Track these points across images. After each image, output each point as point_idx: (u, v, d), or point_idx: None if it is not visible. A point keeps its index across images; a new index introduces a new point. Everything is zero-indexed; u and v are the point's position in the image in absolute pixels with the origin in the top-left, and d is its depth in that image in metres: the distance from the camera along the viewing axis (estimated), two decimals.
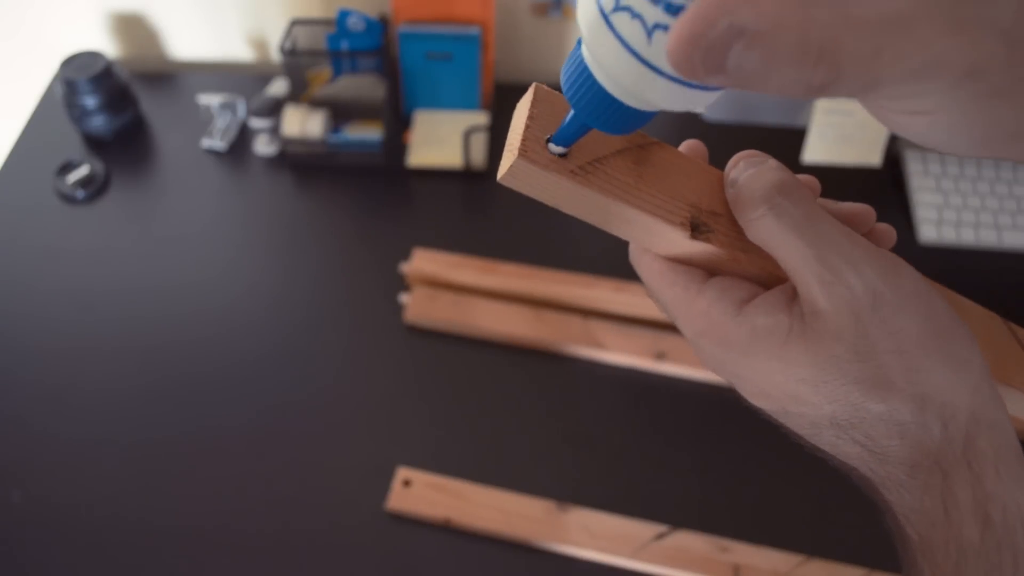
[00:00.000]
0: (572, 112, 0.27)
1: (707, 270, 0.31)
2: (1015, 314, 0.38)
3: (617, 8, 0.21)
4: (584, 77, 0.25)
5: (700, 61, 0.20)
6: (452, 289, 0.87)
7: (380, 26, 0.96)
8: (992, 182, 0.97)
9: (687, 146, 0.33)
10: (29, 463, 0.76)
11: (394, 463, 0.75)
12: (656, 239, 0.30)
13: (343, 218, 0.97)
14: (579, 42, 0.25)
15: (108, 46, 1.13)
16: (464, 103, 1.04)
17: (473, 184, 0.99)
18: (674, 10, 0.20)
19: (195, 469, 0.76)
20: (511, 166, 0.28)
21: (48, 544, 0.72)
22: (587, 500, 0.73)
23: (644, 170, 0.30)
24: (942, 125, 0.22)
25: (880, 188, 0.98)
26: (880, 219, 0.32)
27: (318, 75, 0.99)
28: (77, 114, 0.99)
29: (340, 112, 1.00)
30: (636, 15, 0.21)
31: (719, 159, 0.32)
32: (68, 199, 0.97)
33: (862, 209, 0.32)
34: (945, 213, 0.95)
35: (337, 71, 0.98)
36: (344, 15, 0.95)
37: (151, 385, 0.81)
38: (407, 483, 0.74)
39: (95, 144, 1.02)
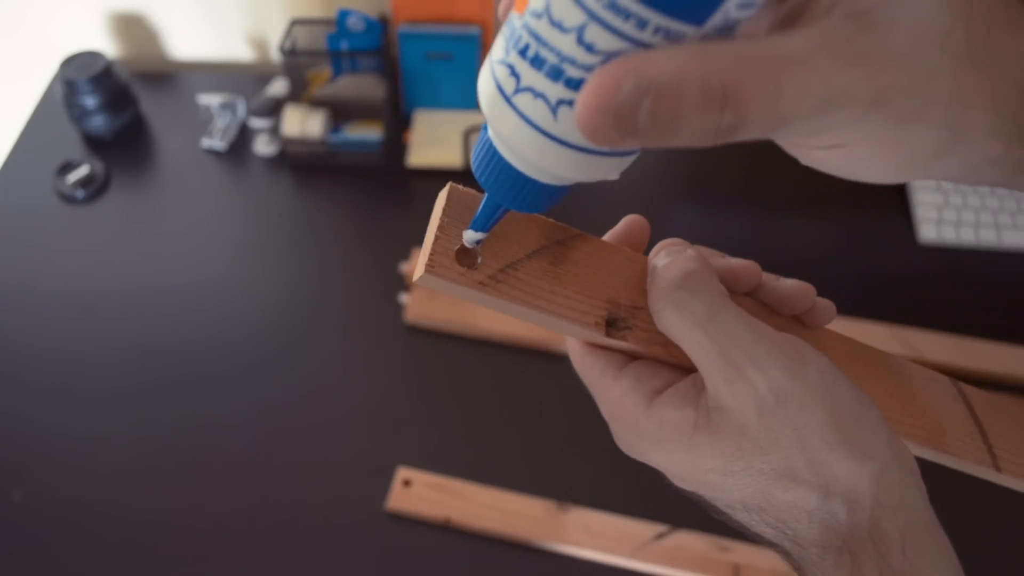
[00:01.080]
0: (486, 195, 0.26)
1: (628, 355, 0.31)
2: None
3: (518, 90, 0.21)
4: (493, 158, 0.24)
5: (612, 126, 0.20)
6: None
7: (380, 26, 0.96)
8: None
9: (627, 224, 0.33)
10: (29, 462, 0.76)
11: (394, 463, 0.75)
12: (575, 335, 0.31)
13: (343, 218, 0.97)
14: (485, 126, 0.25)
15: (108, 46, 1.13)
16: (464, 103, 1.04)
17: (473, 184, 0.99)
18: (575, 85, 0.20)
19: (195, 468, 0.76)
20: (421, 277, 0.28)
21: (48, 543, 0.72)
22: (587, 500, 0.73)
23: (561, 270, 0.30)
24: (859, 156, 0.23)
25: (880, 188, 0.98)
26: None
27: (318, 75, 0.99)
28: (77, 114, 0.99)
29: (340, 112, 1.00)
30: (539, 95, 0.21)
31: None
32: (68, 199, 0.97)
33: (802, 289, 0.33)
34: (945, 213, 0.95)
35: (337, 71, 0.98)
36: (344, 15, 0.95)
37: (151, 385, 0.81)
38: (407, 483, 0.74)
39: (95, 144, 1.02)
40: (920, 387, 0.35)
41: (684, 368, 0.31)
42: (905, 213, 0.96)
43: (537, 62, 0.21)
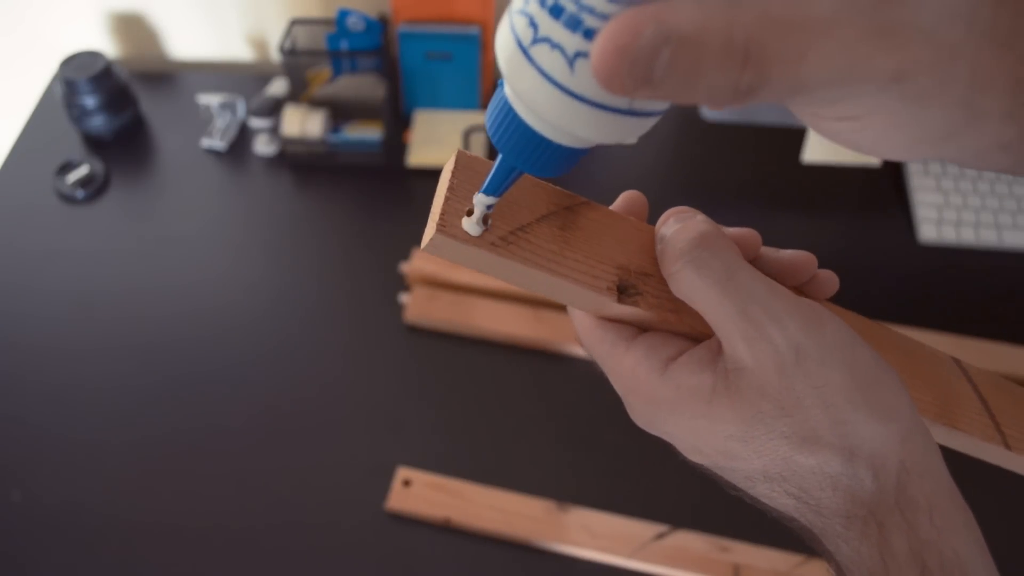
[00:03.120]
0: (500, 157, 0.26)
1: (638, 327, 0.31)
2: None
3: (536, 40, 0.21)
4: (509, 117, 0.24)
5: (628, 72, 0.19)
6: (452, 289, 0.87)
7: (380, 26, 0.96)
8: (992, 181, 0.97)
9: (625, 199, 0.33)
10: (28, 462, 0.76)
11: (394, 463, 0.75)
12: (584, 303, 0.30)
13: (343, 218, 0.97)
14: (501, 83, 0.24)
15: (108, 46, 1.13)
16: (464, 103, 1.04)
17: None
18: (593, 35, 0.20)
19: (194, 469, 0.76)
20: (430, 240, 0.28)
21: (48, 544, 0.71)
22: (587, 500, 0.73)
23: (571, 235, 0.29)
24: (872, 129, 0.22)
25: (880, 188, 0.98)
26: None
27: (318, 75, 0.99)
28: (77, 114, 0.99)
29: (340, 112, 1.00)
30: (556, 45, 0.21)
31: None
32: (68, 199, 0.97)
33: (803, 258, 0.32)
34: (945, 212, 0.95)
35: (337, 71, 0.98)
36: (344, 15, 0.95)
37: (151, 385, 0.81)
38: (407, 483, 0.74)
39: (95, 144, 1.02)
40: (925, 363, 0.35)
41: (695, 337, 0.30)
42: (905, 213, 0.96)
43: (556, 10, 0.20)
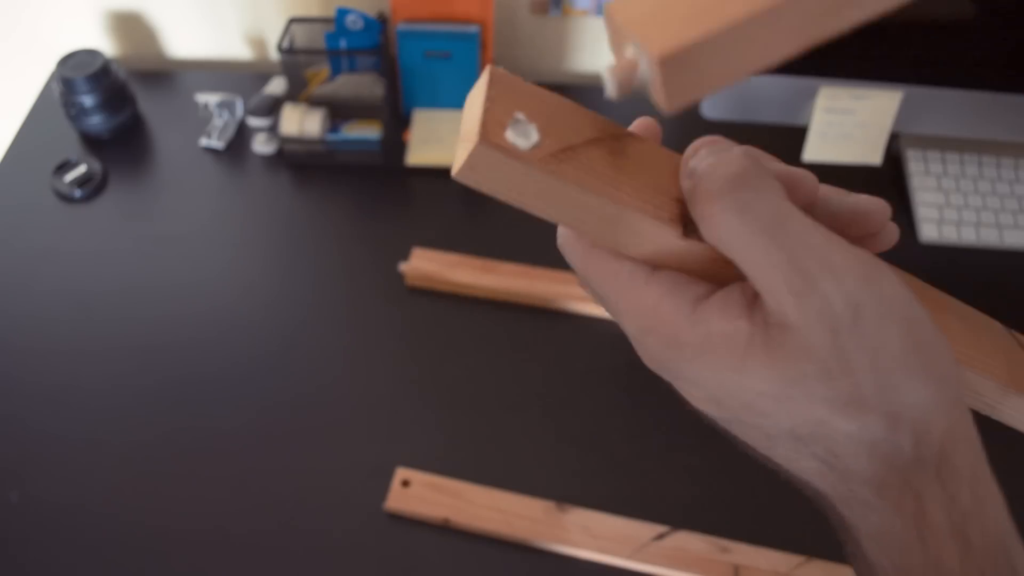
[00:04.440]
0: None
1: (657, 267, 0.27)
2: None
3: None
4: None
5: None
6: (451, 288, 0.87)
7: (379, 25, 0.96)
8: (993, 181, 0.97)
9: (640, 126, 0.29)
10: (27, 463, 0.76)
11: (393, 463, 0.75)
12: (634, 238, 0.26)
13: (342, 217, 0.97)
14: None
15: (105, 44, 1.12)
16: (463, 102, 1.03)
17: (467, 186, 0.99)
18: None
19: (193, 469, 0.76)
20: (470, 155, 0.24)
21: (47, 544, 0.71)
22: (587, 500, 0.73)
23: (622, 162, 0.26)
24: None
25: (881, 187, 0.98)
26: None
27: (316, 74, 0.99)
28: (74, 113, 0.98)
29: (338, 111, 1.00)
30: None
31: None
32: (65, 198, 0.96)
33: (877, 205, 0.28)
34: (946, 212, 0.94)
35: (335, 70, 0.98)
36: (342, 13, 0.95)
37: (150, 385, 0.81)
38: (406, 483, 0.74)
39: (92, 143, 1.02)
40: (983, 328, 0.32)
41: (721, 282, 0.27)
42: (906, 212, 0.96)
43: None
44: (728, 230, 0.24)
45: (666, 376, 0.28)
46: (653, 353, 0.28)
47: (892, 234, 0.29)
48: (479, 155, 0.24)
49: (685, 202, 0.26)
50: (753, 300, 0.25)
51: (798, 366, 0.24)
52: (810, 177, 0.28)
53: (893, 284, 0.25)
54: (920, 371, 0.25)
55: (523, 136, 0.24)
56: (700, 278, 0.27)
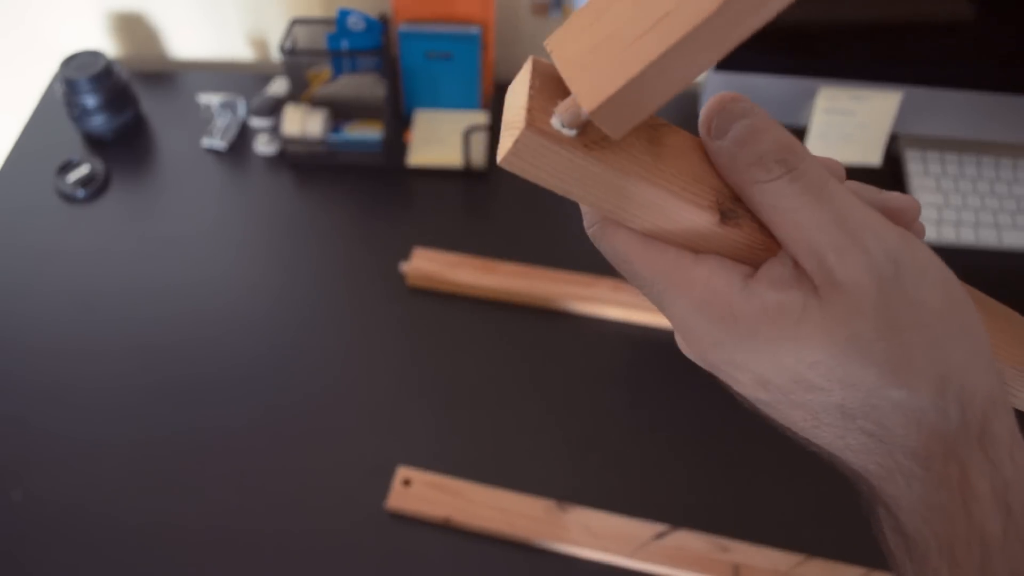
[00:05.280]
0: None
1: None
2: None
3: None
4: None
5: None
6: (452, 288, 0.87)
7: (380, 25, 0.96)
8: (992, 182, 0.97)
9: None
10: (29, 463, 0.76)
11: (394, 462, 0.75)
12: (672, 224, 0.27)
13: (343, 217, 0.97)
14: None
15: (108, 45, 1.13)
16: (464, 103, 1.04)
17: (473, 184, 0.99)
18: None
19: (194, 469, 0.76)
20: (516, 142, 0.24)
21: (48, 544, 0.72)
22: (587, 499, 0.73)
23: (661, 150, 0.26)
24: None
25: (880, 187, 0.98)
26: None
27: (318, 74, 0.99)
28: (77, 113, 0.99)
29: (340, 111, 1.00)
30: None
31: None
32: (68, 198, 0.97)
33: (908, 204, 0.29)
34: (945, 213, 0.95)
35: (337, 70, 0.98)
36: (344, 14, 0.95)
37: (151, 385, 0.81)
38: (407, 482, 0.74)
39: (95, 143, 1.02)
40: (1003, 316, 0.32)
41: (756, 264, 0.27)
42: None
43: None
44: (778, 196, 0.25)
45: (711, 362, 0.28)
46: (702, 335, 0.27)
47: (920, 232, 0.30)
48: (525, 142, 0.24)
49: (721, 191, 0.27)
50: (795, 270, 0.26)
51: (850, 326, 0.25)
52: (837, 165, 0.29)
53: (925, 248, 0.26)
54: (959, 330, 0.25)
55: (566, 124, 0.25)
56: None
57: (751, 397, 0.28)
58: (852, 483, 0.29)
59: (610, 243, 0.28)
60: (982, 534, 0.25)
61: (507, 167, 0.25)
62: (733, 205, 0.27)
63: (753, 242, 0.27)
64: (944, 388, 0.25)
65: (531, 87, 0.25)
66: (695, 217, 0.26)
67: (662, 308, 0.28)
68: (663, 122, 0.28)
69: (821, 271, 0.25)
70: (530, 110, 0.24)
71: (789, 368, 0.26)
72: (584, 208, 0.28)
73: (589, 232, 0.29)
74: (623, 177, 0.25)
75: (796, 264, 0.26)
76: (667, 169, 0.26)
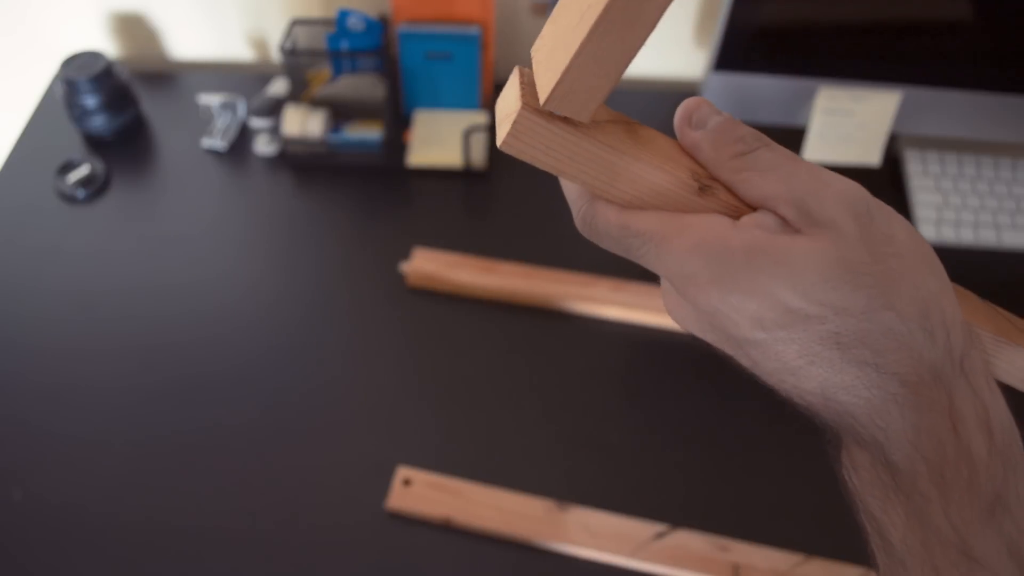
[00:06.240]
0: None
1: None
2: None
3: None
4: None
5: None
6: (452, 288, 0.87)
7: (380, 26, 0.96)
8: (991, 182, 0.97)
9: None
10: (29, 463, 0.76)
11: (394, 462, 0.76)
12: (657, 198, 0.30)
13: (343, 218, 0.97)
14: None
15: (108, 46, 1.13)
16: (464, 103, 1.04)
17: (473, 184, 0.99)
18: None
19: (194, 468, 0.76)
20: (514, 123, 0.27)
21: (48, 543, 0.72)
22: (587, 499, 0.73)
23: (639, 139, 0.30)
24: None
25: (879, 187, 0.98)
26: None
27: (318, 75, 0.99)
28: (77, 114, 0.99)
29: (340, 112, 1.00)
30: None
31: None
32: (68, 199, 0.97)
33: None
34: (944, 212, 0.95)
35: (337, 71, 0.98)
36: (344, 15, 0.95)
37: (151, 385, 0.82)
38: (407, 482, 0.74)
39: (95, 144, 1.02)
40: (962, 294, 0.33)
41: None
42: (904, 212, 0.96)
43: None
44: (756, 158, 0.29)
45: (709, 306, 0.29)
46: (699, 275, 0.28)
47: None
48: (522, 122, 0.27)
49: (695, 170, 0.30)
50: (777, 219, 0.28)
51: (839, 252, 0.27)
52: None
53: (883, 205, 0.29)
54: (926, 264, 0.28)
55: (556, 108, 0.27)
56: None
57: (747, 339, 0.29)
58: (822, 432, 0.30)
59: (603, 217, 0.30)
60: (969, 455, 0.26)
61: (506, 149, 0.28)
62: (708, 181, 0.30)
63: (729, 210, 0.30)
64: (928, 313, 0.27)
65: (521, 85, 0.28)
66: (677, 188, 0.29)
67: (658, 264, 0.30)
68: (638, 122, 0.31)
69: (802, 216, 0.27)
70: (523, 96, 0.27)
71: (785, 298, 0.27)
72: (571, 198, 0.31)
73: (579, 220, 0.31)
74: (613, 152, 0.28)
75: (776, 215, 0.28)
76: (645, 151, 0.29)
